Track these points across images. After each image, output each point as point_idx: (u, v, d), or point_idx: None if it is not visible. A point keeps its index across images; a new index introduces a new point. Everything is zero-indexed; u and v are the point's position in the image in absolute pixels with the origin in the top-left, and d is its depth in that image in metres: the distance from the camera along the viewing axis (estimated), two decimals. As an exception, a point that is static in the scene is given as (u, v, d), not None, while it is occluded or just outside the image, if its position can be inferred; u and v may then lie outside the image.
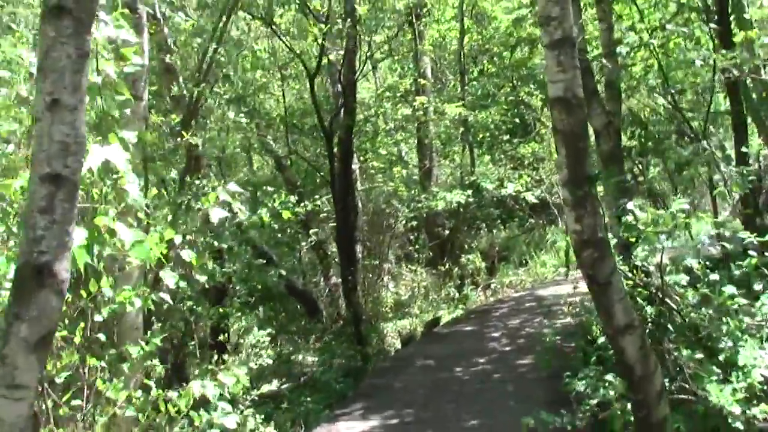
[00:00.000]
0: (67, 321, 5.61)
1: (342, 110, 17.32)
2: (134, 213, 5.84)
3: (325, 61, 17.92)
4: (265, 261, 16.29)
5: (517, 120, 26.13)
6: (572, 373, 8.70)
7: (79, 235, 4.53)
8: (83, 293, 5.48)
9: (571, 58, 5.98)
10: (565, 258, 24.48)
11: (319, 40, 16.24)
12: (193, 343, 15.12)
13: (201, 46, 13.76)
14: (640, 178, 26.05)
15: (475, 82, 25.59)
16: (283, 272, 16.62)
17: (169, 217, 10.16)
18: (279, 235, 19.33)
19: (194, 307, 10.82)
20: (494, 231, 27.81)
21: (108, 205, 4.98)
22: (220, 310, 11.91)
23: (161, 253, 5.29)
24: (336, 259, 19.14)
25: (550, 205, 27.09)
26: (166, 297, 6.31)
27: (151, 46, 13.40)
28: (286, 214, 10.55)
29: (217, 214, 6.45)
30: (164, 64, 13.28)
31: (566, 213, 6.29)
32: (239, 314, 21.13)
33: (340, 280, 18.58)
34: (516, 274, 25.28)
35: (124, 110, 5.64)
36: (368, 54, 18.69)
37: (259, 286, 15.08)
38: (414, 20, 23.38)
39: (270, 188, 20.14)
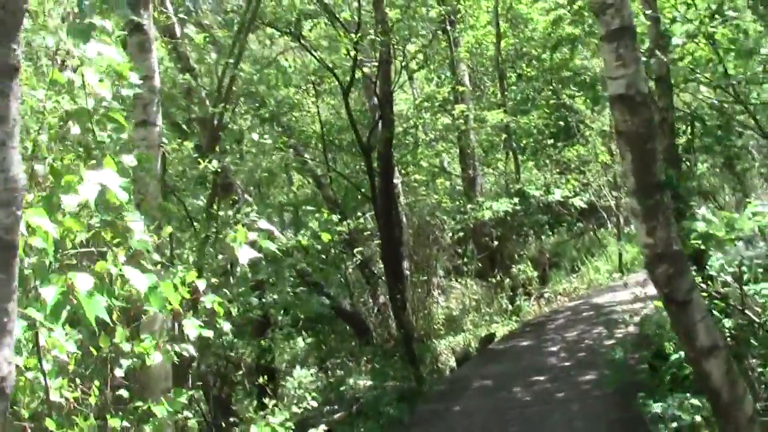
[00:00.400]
0: (78, 381, 4.95)
1: (379, 123, 16.68)
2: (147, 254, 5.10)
3: (359, 74, 17.36)
4: (310, 285, 15.87)
5: (561, 123, 25.40)
6: (644, 392, 8.02)
7: (86, 282, 3.91)
8: (93, 350, 4.88)
9: (631, 51, 5.33)
10: (618, 262, 23.76)
11: (351, 53, 15.63)
12: (239, 373, 14.74)
13: (218, 63, 13.02)
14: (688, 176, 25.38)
15: (514, 87, 24.91)
16: (327, 298, 16.16)
17: (192, 257, 9.50)
18: (324, 257, 18.99)
19: (235, 340, 10.31)
20: (542, 237, 27.14)
21: (118, 247, 4.36)
22: (262, 342, 11.31)
23: (183, 298, 4.68)
24: (383, 277, 18.51)
25: (598, 209, 26.44)
26: (191, 349, 5.65)
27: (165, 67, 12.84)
28: (325, 237, 10.01)
29: (246, 255, 5.70)
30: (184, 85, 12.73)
31: (636, 225, 5.65)
32: (285, 343, 20.79)
33: (388, 298, 17.97)
34: (568, 281, 24.58)
35: (119, 136, 5.02)
36: (403, 64, 18.01)
37: (302, 314, 14.38)
38: (448, 27, 22.82)
39: (310, 207, 20.00)
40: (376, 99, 17.01)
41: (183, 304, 4.79)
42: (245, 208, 9.69)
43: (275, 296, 11.64)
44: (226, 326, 6.83)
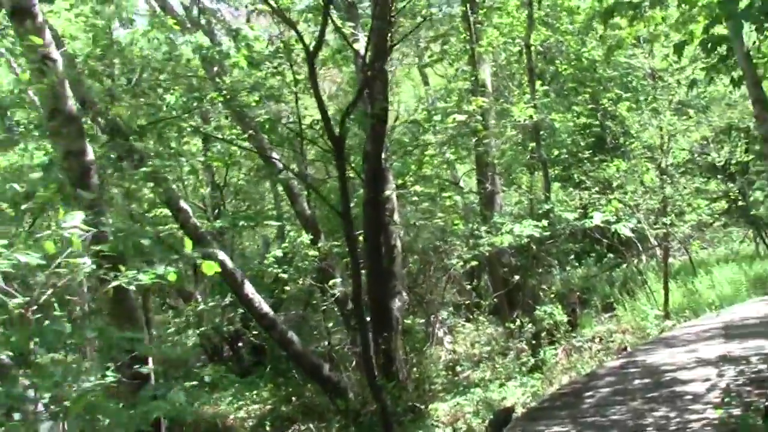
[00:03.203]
0: None
1: (362, 104, 12.14)
2: None
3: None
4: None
5: (600, 132, 21.04)
6: None
7: None
8: None
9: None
10: (663, 304, 19.23)
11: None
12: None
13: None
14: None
15: (545, 87, 20.50)
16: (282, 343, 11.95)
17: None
18: (286, 288, 14.75)
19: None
20: (568, 269, 22.73)
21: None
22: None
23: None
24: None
25: (635, 239, 22.09)
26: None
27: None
28: (208, 268, 5.86)
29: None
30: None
31: None
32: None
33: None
34: (601, 323, 20.16)
35: None
36: (395, 34, 13.44)
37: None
38: (468, 12, 18.53)
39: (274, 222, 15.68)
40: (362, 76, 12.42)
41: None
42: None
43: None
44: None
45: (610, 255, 24.42)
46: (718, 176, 24.40)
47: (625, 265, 24.89)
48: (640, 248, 25.19)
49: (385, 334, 12.68)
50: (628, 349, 16.21)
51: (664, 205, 19.49)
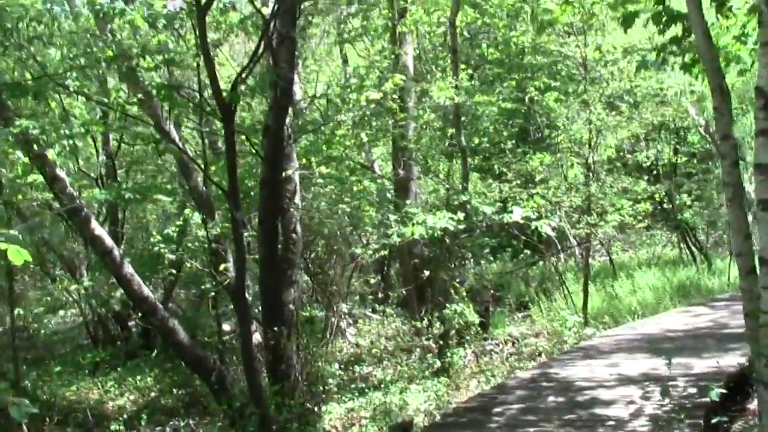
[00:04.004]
0: None
1: (251, 71, 10.67)
2: None
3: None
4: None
5: (527, 121, 19.96)
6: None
7: None
8: None
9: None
10: (582, 308, 18.23)
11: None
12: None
13: None
14: None
15: (470, 72, 19.37)
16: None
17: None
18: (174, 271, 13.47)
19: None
20: (482, 263, 21.57)
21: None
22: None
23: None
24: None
25: (558, 236, 21.13)
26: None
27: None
28: (15, 256, 4.59)
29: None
30: None
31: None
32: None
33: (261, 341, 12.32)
34: (514, 323, 19.17)
35: None
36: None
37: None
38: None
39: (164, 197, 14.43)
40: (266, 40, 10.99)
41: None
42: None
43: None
44: None
45: (527, 251, 23.37)
46: (644, 177, 23.54)
47: (541, 263, 23.98)
48: (559, 246, 24.24)
49: (276, 328, 11.36)
50: (543, 356, 15.16)
51: (588, 204, 18.46)
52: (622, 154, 23.56)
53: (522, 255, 23.37)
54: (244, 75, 9.96)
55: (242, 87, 10.33)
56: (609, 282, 20.94)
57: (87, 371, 17.35)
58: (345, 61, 23.78)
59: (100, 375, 17.00)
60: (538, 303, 19.98)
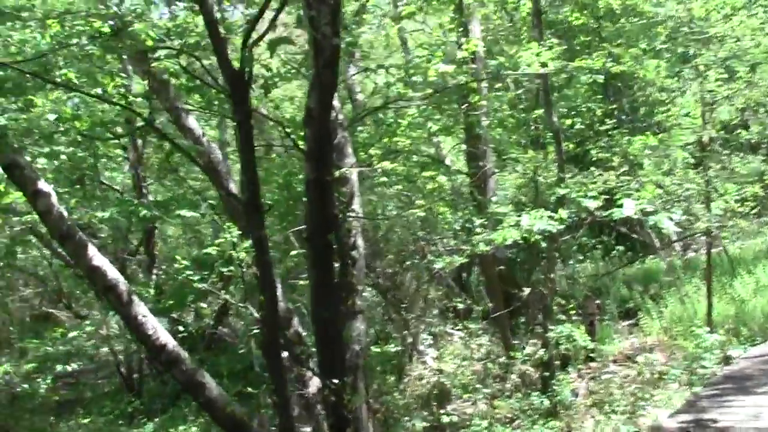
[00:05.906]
0: None
1: (269, 26, 7.73)
2: None
3: None
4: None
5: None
6: None
7: None
8: None
9: None
10: (706, 317, 14.93)
11: None
12: None
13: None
14: None
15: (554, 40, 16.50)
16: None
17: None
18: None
19: None
20: (571, 263, 18.64)
21: None
22: None
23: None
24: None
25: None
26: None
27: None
28: None
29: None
30: None
31: None
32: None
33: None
34: (622, 334, 16.18)
35: None
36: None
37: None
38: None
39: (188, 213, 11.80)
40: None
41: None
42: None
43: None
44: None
45: (619, 248, 20.34)
46: (755, 155, 20.36)
47: (637, 263, 20.92)
48: (656, 241, 21.21)
49: (336, 378, 8.48)
50: (675, 383, 11.99)
51: (708, 191, 15.25)
52: (730, 128, 20.32)
53: (614, 252, 20.39)
54: (261, 28, 7.06)
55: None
56: (727, 280, 17.52)
57: (121, 422, 14.78)
58: (404, 44, 21.11)
59: (135, 427, 14.39)
60: (647, 310, 16.80)
